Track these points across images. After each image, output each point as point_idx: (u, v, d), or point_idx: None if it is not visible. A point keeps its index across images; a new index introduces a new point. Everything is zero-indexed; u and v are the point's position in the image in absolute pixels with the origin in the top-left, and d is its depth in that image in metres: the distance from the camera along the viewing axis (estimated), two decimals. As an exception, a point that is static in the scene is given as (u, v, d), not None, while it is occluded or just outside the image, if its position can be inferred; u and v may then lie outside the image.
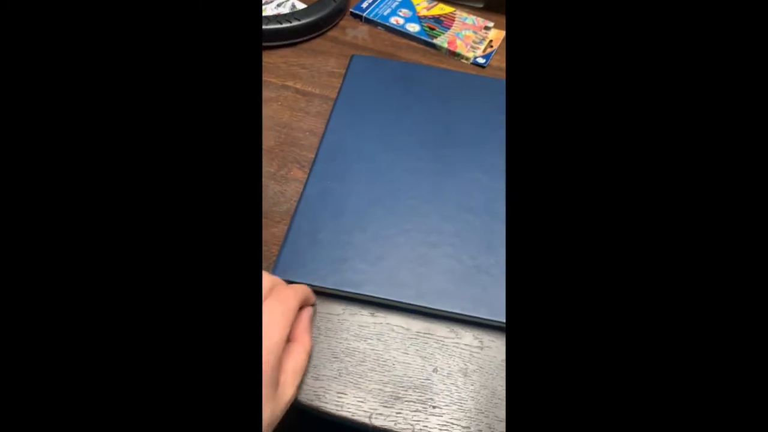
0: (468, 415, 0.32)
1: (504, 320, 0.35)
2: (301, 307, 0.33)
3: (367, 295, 0.35)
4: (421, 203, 0.40)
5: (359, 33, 0.58)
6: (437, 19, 0.59)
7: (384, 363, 0.34)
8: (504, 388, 0.34)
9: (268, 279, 0.31)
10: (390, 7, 0.60)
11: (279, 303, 0.30)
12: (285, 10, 0.57)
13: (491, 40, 0.58)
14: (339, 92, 0.47)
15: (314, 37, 0.55)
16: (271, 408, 0.27)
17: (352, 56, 0.51)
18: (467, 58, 0.56)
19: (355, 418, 0.32)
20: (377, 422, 0.31)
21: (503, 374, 0.34)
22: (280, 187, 0.42)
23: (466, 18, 0.60)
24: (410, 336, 0.35)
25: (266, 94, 0.49)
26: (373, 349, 0.34)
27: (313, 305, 0.35)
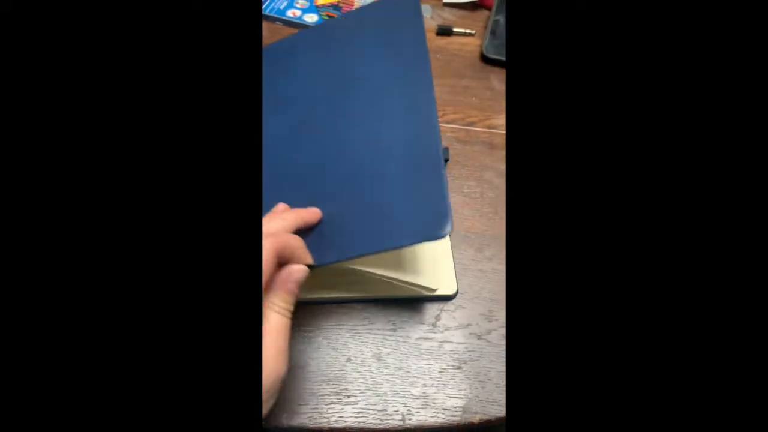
0: (384, 398, 0.32)
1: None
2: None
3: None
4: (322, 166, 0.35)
5: (257, 31, 0.57)
6: (336, 6, 0.59)
7: (296, 363, 0.34)
8: (417, 365, 0.34)
9: None
10: None
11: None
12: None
13: (392, 20, 0.58)
14: None
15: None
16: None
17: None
18: (369, 42, 0.55)
19: (270, 425, 0.31)
20: (293, 422, 0.31)
21: (416, 352, 0.34)
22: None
23: (364, 1, 0.59)
24: (321, 331, 0.35)
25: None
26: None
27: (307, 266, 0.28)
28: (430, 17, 0.60)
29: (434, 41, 0.57)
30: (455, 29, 0.57)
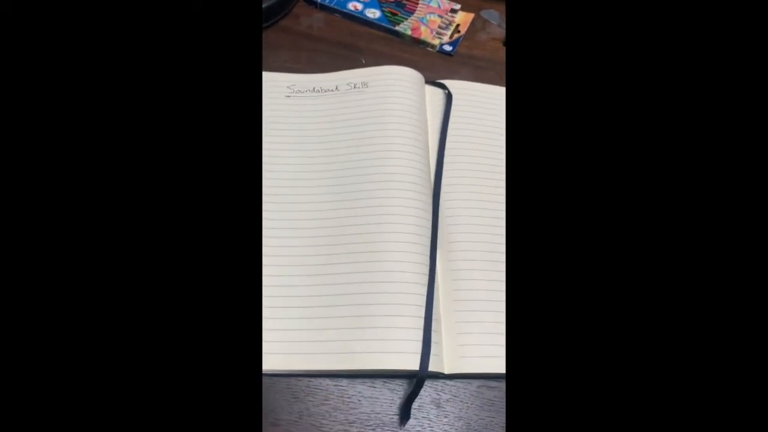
0: (442, 451, 0.30)
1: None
2: None
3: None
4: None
5: (315, 21, 0.53)
6: (399, 3, 0.55)
7: (349, 400, 0.31)
8: (479, 417, 0.31)
9: None
10: (347, -10, 0.55)
11: None
12: (231, -3, 0.52)
13: (458, 25, 0.54)
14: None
15: (264, 28, 0.50)
16: None
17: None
18: (433, 46, 0.52)
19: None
20: (343, 467, 0.29)
21: (478, 402, 0.32)
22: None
23: (430, 1, 0.56)
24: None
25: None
26: (336, 385, 0.31)
27: None
28: (498, 24, 0.56)
29: (500, 52, 0.53)
30: (524, 42, 0.54)
